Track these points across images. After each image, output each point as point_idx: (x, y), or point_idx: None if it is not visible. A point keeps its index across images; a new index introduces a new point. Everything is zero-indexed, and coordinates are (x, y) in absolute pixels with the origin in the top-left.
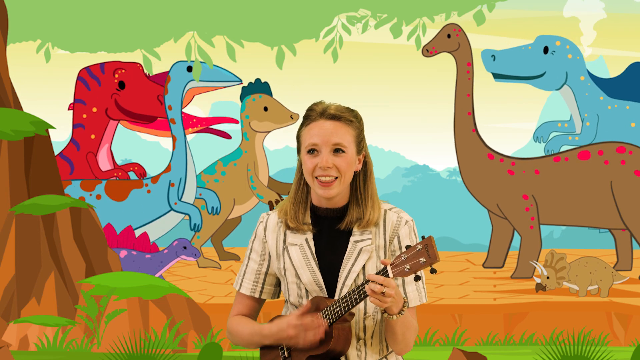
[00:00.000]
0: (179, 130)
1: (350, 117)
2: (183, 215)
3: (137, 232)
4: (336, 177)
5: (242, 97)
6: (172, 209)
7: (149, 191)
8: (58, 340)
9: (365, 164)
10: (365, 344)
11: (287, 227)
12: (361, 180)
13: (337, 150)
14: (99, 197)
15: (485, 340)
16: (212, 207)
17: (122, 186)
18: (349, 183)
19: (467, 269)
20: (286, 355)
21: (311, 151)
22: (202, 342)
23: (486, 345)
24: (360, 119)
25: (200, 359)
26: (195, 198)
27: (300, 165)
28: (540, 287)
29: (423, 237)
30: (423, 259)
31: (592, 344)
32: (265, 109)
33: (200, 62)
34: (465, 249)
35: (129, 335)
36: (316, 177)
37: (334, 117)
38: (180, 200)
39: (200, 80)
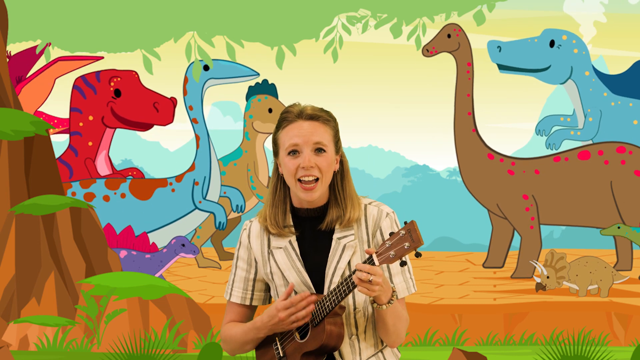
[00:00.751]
0: (202, 129)
1: (327, 117)
2: (208, 213)
3: (162, 231)
4: (317, 179)
5: (247, 97)
6: (196, 208)
7: (173, 190)
8: (58, 340)
9: (342, 164)
10: (358, 339)
11: (270, 231)
12: (339, 180)
13: (319, 150)
14: (123, 195)
15: (485, 340)
16: (237, 205)
17: (146, 185)
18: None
19: (467, 269)
20: (281, 355)
21: (292, 152)
22: (202, 342)
23: (486, 345)
24: (335, 119)
25: (200, 359)
26: (220, 196)
27: (276, 169)
28: (540, 287)
29: (405, 223)
30: (407, 244)
31: (592, 344)
32: (270, 110)
33: (216, 59)
34: (465, 249)
35: (129, 335)
36: (299, 180)
37: (312, 117)
38: (204, 198)
39: (217, 78)
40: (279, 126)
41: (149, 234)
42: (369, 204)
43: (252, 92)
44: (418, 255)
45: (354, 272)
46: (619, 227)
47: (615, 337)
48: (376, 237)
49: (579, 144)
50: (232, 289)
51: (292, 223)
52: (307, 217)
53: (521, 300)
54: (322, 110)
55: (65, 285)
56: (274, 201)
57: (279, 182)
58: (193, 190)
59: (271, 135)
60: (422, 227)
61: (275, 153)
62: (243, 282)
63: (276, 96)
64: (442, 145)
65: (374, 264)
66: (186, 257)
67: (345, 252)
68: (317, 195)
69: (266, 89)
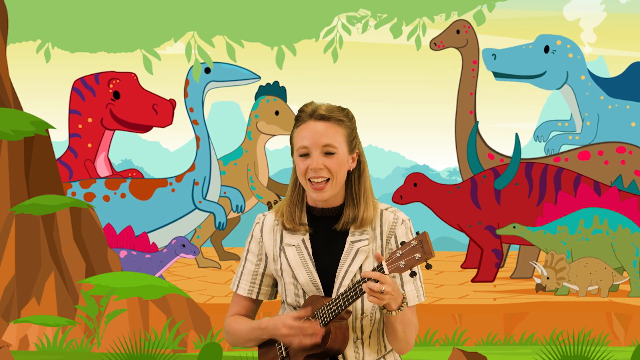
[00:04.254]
0: (202, 130)
1: (340, 117)
2: (207, 213)
3: (162, 231)
4: (328, 179)
5: (257, 96)
6: (196, 208)
7: (173, 190)
8: (58, 340)
9: (360, 163)
10: (362, 344)
11: (284, 227)
12: (355, 179)
13: (328, 152)
14: (123, 195)
15: (485, 340)
16: (237, 205)
17: (146, 185)
18: (344, 182)
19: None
20: (284, 355)
21: (303, 154)
22: (202, 342)
23: (486, 345)
24: (352, 117)
25: (200, 359)
26: (220, 196)
27: (294, 167)
28: (540, 288)
29: (418, 233)
30: (418, 255)
31: (592, 344)
32: (277, 113)
33: (217, 62)
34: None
35: (129, 335)
36: (309, 180)
37: (324, 118)
38: (204, 198)
39: (219, 81)
40: (294, 125)
41: (149, 234)
42: (385, 209)
43: (262, 91)
44: (429, 266)
45: (363, 280)
46: (514, 227)
47: (615, 337)
48: (390, 243)
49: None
50: (239, 281)
51: (306, 221)
52: (321, 216)
53: (521, 300)
54: (336, 109)
55: (65, 285)
56: (292, 198)
57: (297, 180)
58: (193, 190)
59: (272, 137)
60: (422, 227)
61: (292, 151)
62: (251, 275)
63: (285, 99)
64: (442, 145)
65: (383, 272)
66: (186, 258)
67: (358, 256)
68: (327, 195)
69: (276, 91)
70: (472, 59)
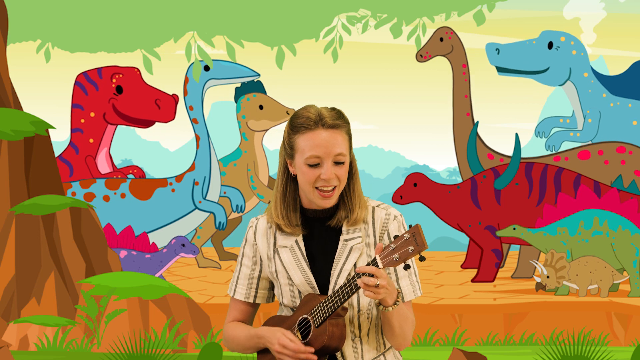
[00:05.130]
0: (202, 129)
1: (343, 123)
2: (208, 213)
3: (162, 231)
4: (335, 186)
5: (236, 98)
6: (196, 208)
7: (173, 190)
8: (58, 340)
9: (350, 163)
10: (361, 342)
11: (278, 229)
12: (347, 180)
13: (338, 161)
14: (123, 195)
15: (485, 340)
16: (237, 205)
17: (146, 185)
18: None
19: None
20: None
21: (314, 163)
22: (202, 342)
23: (486, 345)
24: (348, 120)
25: (200, 359)
26: (220, 196)
27: (284, 168)
28: (540, 287)
29: (410, 226)
30: (411, 247)
31: (592, 344)
32: (261, 107)
33: (216, 60)
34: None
35: (129, 335)
36: (316, 188)
37: (332, 127)
38: (204, 198)
39: (218, 78)
40: (296, 130)
41: (149, 234)
42: (377, 206)
43: (239, 93)
44: (422, 259)
45: (357, 275)
46: (514, 229)
47: (615, 337)
48: (383, 239)
49: (579, 145)
50: (236, 286)
51: (299, 222)
52: (315, 217)
53: (521, 300)
54: (337, 115)
55: (65, 285)
56: (285, 200)
57: (288, 182)
58: (193, 190)
59: (267, 131)
60: (422, 227)
61: (290, 155)
62: (247, 279)
63: (264, 92)
64: (442, 145)
65: (377, 266)
66: (186, 257)
67: (352, 254)
68: (333, 202)
69: (253, 87)
70: (460, 64)
